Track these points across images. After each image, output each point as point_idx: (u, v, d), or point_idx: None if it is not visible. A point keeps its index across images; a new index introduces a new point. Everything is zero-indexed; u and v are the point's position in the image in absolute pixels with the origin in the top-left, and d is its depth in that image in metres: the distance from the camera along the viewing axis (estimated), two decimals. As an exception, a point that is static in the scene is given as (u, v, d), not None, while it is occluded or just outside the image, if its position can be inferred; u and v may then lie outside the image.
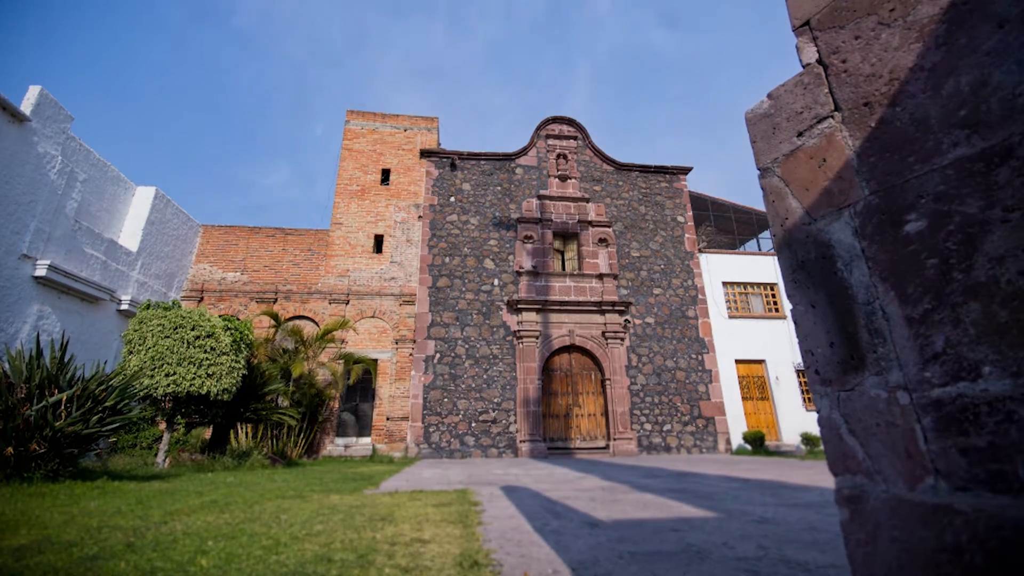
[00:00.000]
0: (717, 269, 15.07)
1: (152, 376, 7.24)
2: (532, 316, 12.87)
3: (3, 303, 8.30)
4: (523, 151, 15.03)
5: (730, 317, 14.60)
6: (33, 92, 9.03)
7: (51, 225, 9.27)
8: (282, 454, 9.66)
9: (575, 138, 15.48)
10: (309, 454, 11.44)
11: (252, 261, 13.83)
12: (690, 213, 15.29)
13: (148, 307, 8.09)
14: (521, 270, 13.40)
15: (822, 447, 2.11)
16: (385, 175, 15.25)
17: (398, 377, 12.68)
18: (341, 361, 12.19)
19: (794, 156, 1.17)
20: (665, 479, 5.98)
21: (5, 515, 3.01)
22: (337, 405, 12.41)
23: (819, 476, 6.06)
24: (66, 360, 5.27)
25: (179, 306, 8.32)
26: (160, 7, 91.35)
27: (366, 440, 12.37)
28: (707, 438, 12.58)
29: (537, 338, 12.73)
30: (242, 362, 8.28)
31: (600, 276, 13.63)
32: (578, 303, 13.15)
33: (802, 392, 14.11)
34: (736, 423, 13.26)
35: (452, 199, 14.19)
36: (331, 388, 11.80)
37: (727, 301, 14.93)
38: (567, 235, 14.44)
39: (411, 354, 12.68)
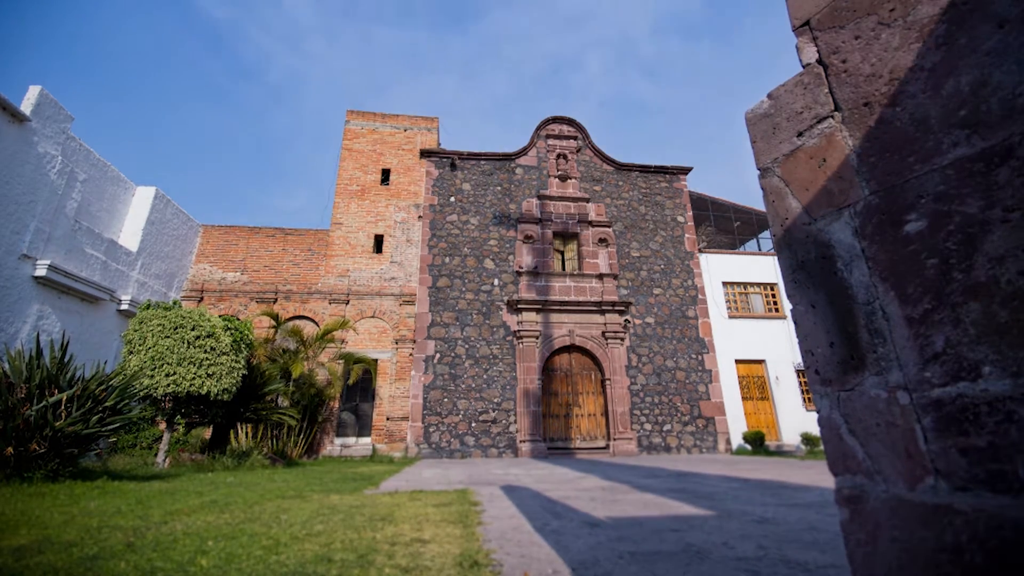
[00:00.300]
0: (717, 269, 15.07)
1: (152, 376, 7.24)
2: (532, 316, 12.87)
3: (3, 303, 8.30)
4: (523, 151, 15.03)
5: (730, 317, 14.60)
6: (33, 92, 9.03)
7: (51, 225, 9.27)
8: (282, 454, 9.65)
9: (575, 138, 15.48)
10: (309, 454, 11.44)
11: (252, 261, 13.83)
12: (690, 213, 15.28)
13: (148, 307, 8.09)
14: (521, 270, 13.40)
15: (822, 447, 2.11)
16: (385, 175, 15.25)
17: (398, 377, 12.68)
18: (341, 361, 12.19)
19: (794, 156, 1.17)
20: (665, 479, 5.98)
21: (5, 515, 3.01)
22: (337, 405, 12.41)
23: (819, 476, 6.06)
24: (66, 360, 5.27)
25: (179, 306, 8.32)
26: (205, 67, 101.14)
27: (366, 440, 12.37)
28: (707, 438, 12.58)
29: (537, 338, 12.73)
30: (242, 362, 8.28)
31: (600, 276, 13.63)
32: (578, 303, 13.14)
33: (802, 392, 14.11)
34: (736, 423, 13.25)
35: (452, 199, 14.18)
36: (331, 388, 11.80)
37: (727, 301, 14.93)
38: (567, 235, 14.44)
39: (411, 354, 12.68)
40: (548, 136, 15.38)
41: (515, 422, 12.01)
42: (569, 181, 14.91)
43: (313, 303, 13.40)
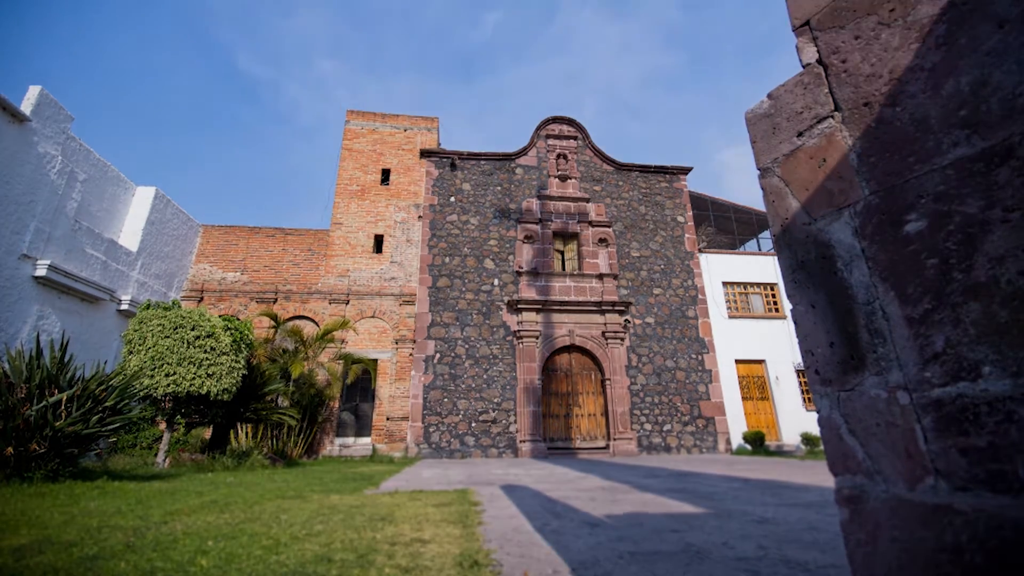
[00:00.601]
0: (717, 269, 15.07)
1: (152, 376, 7.24)
2: (532, 316, 12.86)
3: (3, 303, 8.30)
4: (523, 151, 15.02)
5: (730, 317, 14.60)
6: (33, 92, 9.02)
7: (51, 225, 9.27)
8: (282, 454, 9.65)
9: (575, 138, 15.47)
10: (309, 454, 11.44)
11: (252, 261, 13.83)
12: (690, 213, 15.28)
13: (148, 307, 8.09)
14: (521, 270, 13.40)
15: (822, 447, 2.11)
16: (385, 175, 15.25)
17: (398, 377, 12.68)
18: (341, 361, 12.20)
19: (794, 156, 1.17)
20: (665, 479, 5.98)
21: (5, 515, 3.01)
22: (337, 405, 12.41)
23: (819, 476, 6.06)
24: (66, 360, 5.27)
25: (179, 306, 8.32)
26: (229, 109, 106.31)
27: (366, 440, 12.36)
28: (707, 438, 12.57)
29: (537, 338, 12.72)
30: (242, 362, 8.28)
31: (600, 276, 13.63)
32: (578, 303, 13.14)
33: (802, 392, 14.11)
34: (736, 423, 13.25)
35: (452, 199, 14.18)
36: (331, 388, 11.80)
37: (727, 301, 14.93)
38: (567, 235, 14.43)
39: (411, 354, 12.68)
40: (548, 136, 15.38)
41: (515, 422, 12.01)
42: (569, 181, 14.91)
43: (313, 303, 13.40)
